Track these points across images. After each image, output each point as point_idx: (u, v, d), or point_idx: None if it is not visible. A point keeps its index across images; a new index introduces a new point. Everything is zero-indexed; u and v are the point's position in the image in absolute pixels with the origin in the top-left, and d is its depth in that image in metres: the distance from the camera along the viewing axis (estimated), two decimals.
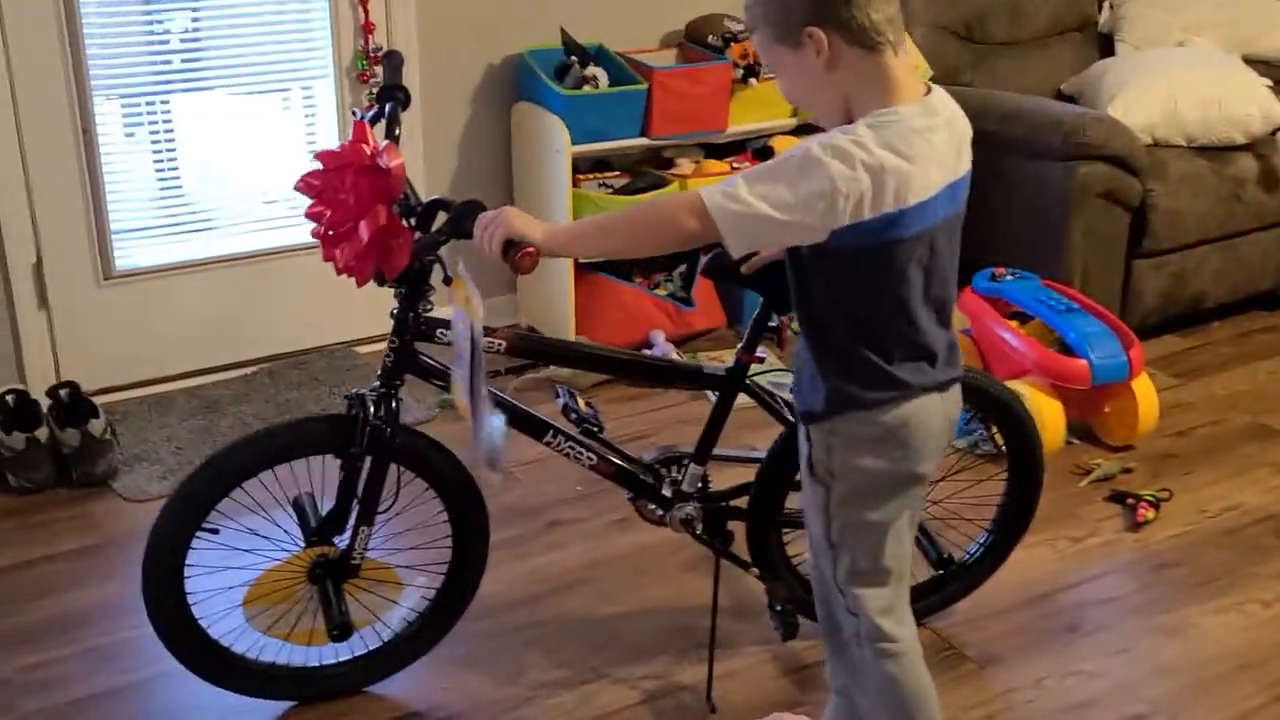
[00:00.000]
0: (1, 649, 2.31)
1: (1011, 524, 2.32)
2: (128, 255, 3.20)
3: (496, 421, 1.85)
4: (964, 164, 1.59)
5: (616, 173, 3.42)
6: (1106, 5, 3.90)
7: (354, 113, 2.02)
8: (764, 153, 3.49)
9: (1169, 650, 2.35)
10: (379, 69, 3.20)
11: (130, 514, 2.78)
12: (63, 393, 2.96)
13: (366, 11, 3.22)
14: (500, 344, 2.04)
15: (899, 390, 1.61)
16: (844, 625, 1.75)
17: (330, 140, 3.31)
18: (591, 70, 3.30)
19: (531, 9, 3.41)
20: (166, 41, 3.16)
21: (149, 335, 3.25)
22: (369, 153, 1.82)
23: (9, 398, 2.93)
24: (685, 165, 3.47)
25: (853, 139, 1.47)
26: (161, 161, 3.21)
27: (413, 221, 1.89)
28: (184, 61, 3.17)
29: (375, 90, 1.99)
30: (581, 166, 3.41)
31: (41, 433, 2.83)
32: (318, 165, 1.88)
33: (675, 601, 2.49)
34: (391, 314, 1.98)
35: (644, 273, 3.56)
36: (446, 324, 1.97)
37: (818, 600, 1.86)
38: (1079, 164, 3.20)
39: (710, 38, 3.50)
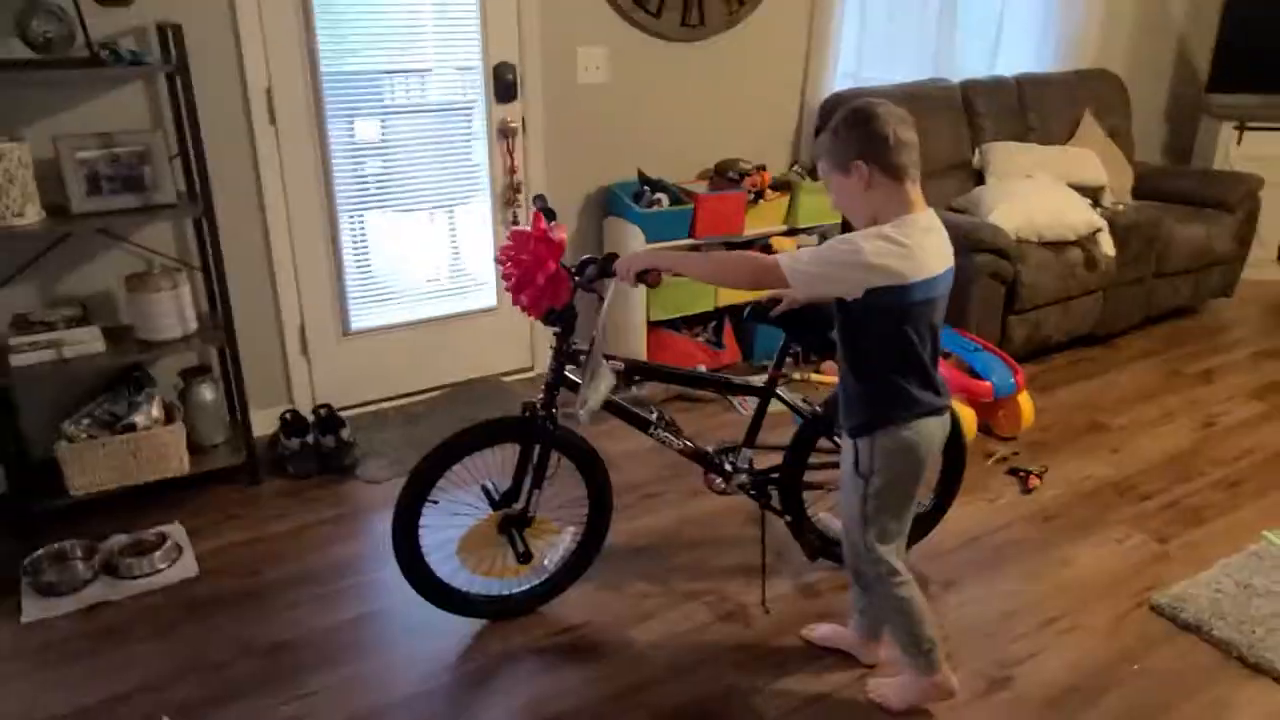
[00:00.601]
0: (291, 587, 2.26)
1: (948, 489, 2.30)
2: (358, 319, 3.11)
3: (607, 381, 1.95)
4: (951, 260, 1.60)
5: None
6: (977, 150, 3.88)
7: (534, 203, 2.03)
8: (766, 248, 3.45)
9: (1064, 574, 2.32)
10: (518, 195, 3.20)
11: (368, 492, 2.71)
12: (321, 411, 2.86)
13: (512, 158, 3.16)
14: (620, 364, 2.06)
15: (918, 410, 1.63)
16: (867, 570, 1.76)
17: (486, 241, 3.24)
18: (658, 195, 3.25)
19: (615, 156, 3.34)
20: (366, 177, 3.09)
21: (370, 372, 3.15)
22: (544, 228, 1.88)
23: (286, 415, 2.83)
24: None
25: (882, 232, 1.50)
26: (372, 259, 3.12)
27: (573, 272, 1.92)
28: (380, 187, 3.08)
29: (534, 208, 1.99)
30: None
31: (309, 438, 2.73)
32: (508, 242, 1.92)
33: (736, 546, 2.44)
34: (551, 346, 2.02)
35: (689, 326, 3.50)
36: (586, 352, 2.03)
37: (848, 555, 1.85)
38: (975, 254, 3.15)
39: (730, 173, 3.44)
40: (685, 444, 2.16)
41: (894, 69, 3.89)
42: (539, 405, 1.99)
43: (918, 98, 3.75)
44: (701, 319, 3.50)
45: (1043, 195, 3.43)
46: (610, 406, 2.08)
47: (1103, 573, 2.31)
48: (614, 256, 1.85)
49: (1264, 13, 4.32)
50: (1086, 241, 3.41)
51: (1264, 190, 4.01)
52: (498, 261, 1.96)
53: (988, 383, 2.82)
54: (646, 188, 3.27)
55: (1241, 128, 4.33)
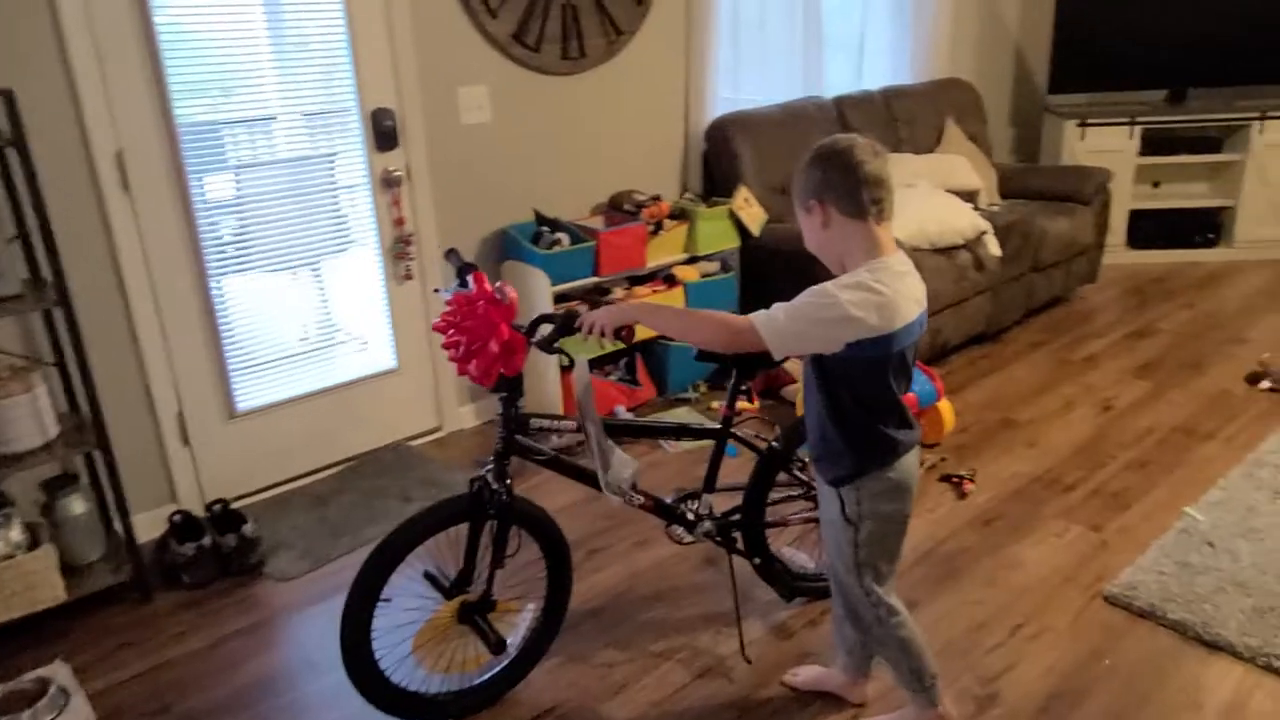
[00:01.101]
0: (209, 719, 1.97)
1: None
2: (245, 398, 2.78)
3: (627, 462, 1.85)
4: (925, 302, 1.52)
5: (576, 301, 3.22)
6: None
7: (449, 259, 1.92)
8: (670, 278, 3.38)
9: (1017, 577, 2.32)
10: (410, 248, 2.99)
11: (282, 592, 2.41)
12: (215, 507, 2.53)
13: (399, 208, 2.94)
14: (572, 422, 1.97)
15: (900, 450, 1.56)
16: (865, 613, 1.68)
17: (378, 301, 3.01)
18: (559, 235, 3.11)
19: (507, 197, 3.17)
20: (220, 235, 2.82)
21: (264, 454, 2.84)
22: (490, 289, 1.71)
23: (175, 517, 2.48)
24: (618, 291, 3.31)
25: (858, 280, 1.41)
26: (254, 330, 2.82)
27: (526, 333, 1.75)
28: (252, 247, 2.81)
29: (456, 268, 1.86)
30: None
31: (206, 540, 2.41)
32: (448, 307, 1.74)
33: (695, 594, 2.31)
34: (497, 414, 1.84)
35: (600, 366, 3.37)
36: (536, 416, 1.91)
37: (839, 599, 1.77)
38: None
39: (626, 205, 3.35)
40: (645, 498, 2.02)
41: (769, 90, 3.92)
42: (490, 478, 1.80)
43: (798, 116, 3.80)
44: (612, 357, 3.39)
45: (929, 203, 3.52)
46: (563, 467, 1.94)
47: (1052, 570, 2.33)
48: (574, 315, 1.68)
49: (1094, 17, 4.63)
50: (973, 244, 3.51)
51: (1111, 181, 4.31)
52: (437, 330, 1.76)
53: (912, 394, 2.84)
54: (545, 228, 3.13)
55: (1083, 124, 4.64)
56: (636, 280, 3.34)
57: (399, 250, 2.97)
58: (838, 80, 4.20)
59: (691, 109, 3.64)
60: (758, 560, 2.14)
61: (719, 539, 2.13)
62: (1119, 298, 4.34)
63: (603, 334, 1.61)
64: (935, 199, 3.55)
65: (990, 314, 3.71)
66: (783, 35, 3.94)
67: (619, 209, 3.36)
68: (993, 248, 3.50)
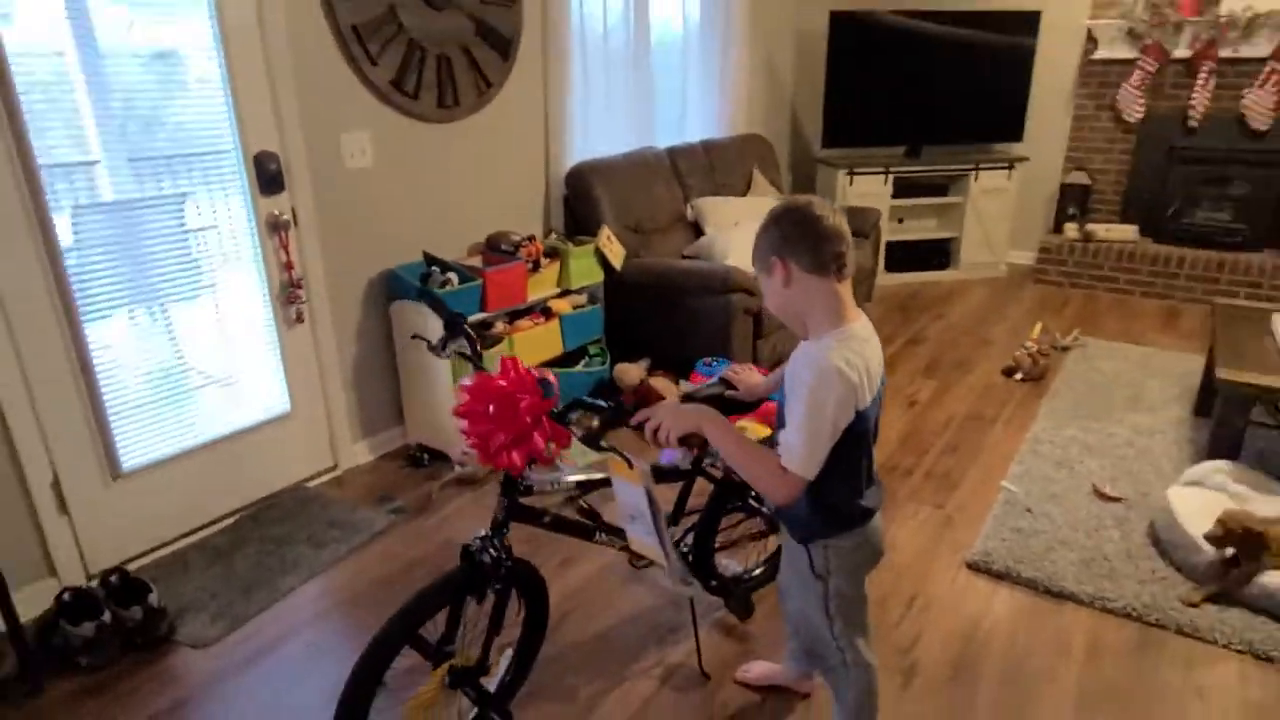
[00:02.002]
0: None
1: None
2: (130, 456, 2.31)
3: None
4: (883, 365, 1.38)
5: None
6: (689, 206, 4.03)
7: (451, 325, 1.61)
8: (546, 310, 3.24)
9: (897, 558, 2.38)
10: (299, 291, 2.64)
11: (200, 660, 2.01)
12: (113, 579, 2.06)
13: (287, 252, 2.59)
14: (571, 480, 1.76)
15: (870, 514, 1.45)
16: (830, 656, 1.55)
17: (267, 348, 2.63)
18: (449, 274, 2.88)
19: (391, 239, 2.89)
20: (87, 282, 2.34)
21: (153, 513, 2.37)
22: (535, 381, 1.43)
23: (65, 594, 2.00)
24: (501, 326, 3.12)
25: (848, 360, 1.26)
26: (136, 382, 2.35)
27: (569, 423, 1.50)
28: (117, 294, 2.36)
29: (446, 323, 1.62)
30: None
31: (105, 616, 1.95)
32: (465, 396, 1.45)
33: (633, 606, 2.19)
34: (500, 481, 1.57)
35: None
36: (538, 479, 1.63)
37: (807, 644, 1.66)
38: (732, 295, 3.24)
39: (503, 245, 3.18)
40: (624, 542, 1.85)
41: (611, 140, 3.90)
42: (492, 546, 1.55)
43: (639, 163, 3.80)
44: None
45: None
46: (565, 527, 1.73)
47: (920, 547, 2.43)
48: (622, 409, 1.43)
49: (854, 88, 5.05)
50: None
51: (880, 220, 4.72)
52: (460, 415, 1.45)
53: (775, 404, 2.91)
54: (435, 268, 2.89)
55: (851, 173, 5.05)
56: (516, 314, 3.18)
57: (288, 294, 2.61)
58: (665, 132, 4.27)
59: (551, 157, 3.53)
60: (714, 583, 2.01)
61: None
62: (889, 313, 4.75)
63: (666, 440, 1.34)
64: None
65: None
66: (621, 92, 3.94)
67: (496, 249, 3.17)
68: None
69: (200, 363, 2.49)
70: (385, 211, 2.88)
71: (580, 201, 3.53)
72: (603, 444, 1.45)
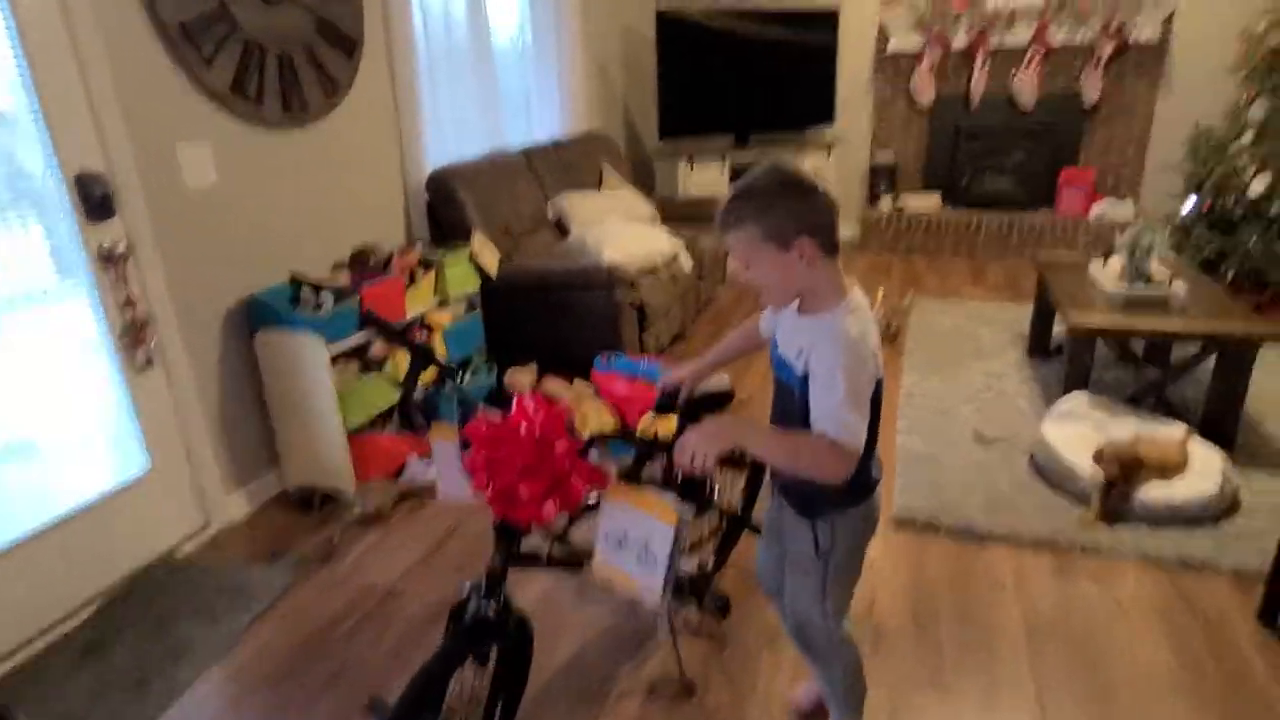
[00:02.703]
0: None
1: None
2: None
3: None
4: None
5: (342, 360, 2.69)
6: (549, 204, 3.91)
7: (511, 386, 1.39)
8: (425, 325, 2.99)
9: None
10: (146, 331, 2.24)
11: None
12: None
13: (128, 287, 2.18)
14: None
15: (875, 483, 1.43)
16: (818, 638, 1.52)
17: (112, 401, 2.20)
18: (324, 295, 2.56)
19: (245, 262, 2.53)
20: None
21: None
22: (564, 417, 1.25)
23: None
24: (378, 346, 2.84)
25: (862, 329, 1.24)
26: None
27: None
28: None
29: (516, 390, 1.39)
30: None
31: None
32: (483, 432, 1.26)
33: (592, 622, 2.06)
34: (495, 527, 1.39)
35: (382, 420, 2.86)
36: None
37: (789, 622, 1.56)
38: (615, 289, 3.17)
39: (372, 259, 2.89)
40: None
41: (467, 143, 3.68)
42: (490, 600, 1.37)
43: (499, 165, 3.63)
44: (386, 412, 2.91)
45: (629, 232, 3.60)
46: (556, 563, 1.64)
47: None
48: (650, 443, 1.25)
49: (684, 83, 5.13)
50: (670, 262, 3.70)
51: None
52: (472, 469, 1.25)
53: None
54: (304, 289, 2.56)
55: (691, 162, 5.15)
56: (394, 335, 2.89)
57: (133, 335, 2.21)
58: (514, 134, 4.11)
59: (408, 161, 3.27)
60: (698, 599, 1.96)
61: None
62: (745, 292, 4.91)
63: (705, 466, 1.19)
64: (632, 228, 3.66)
65: (683, 318, 3.94)
66: (468, 93, 3.73)
67: (364, 264, 2.88)
68: (685, 263, 3.72)
69: (24, 428, 2.04)
70: (236, 232, 2.52)
71: (445, 207, 3.31)
72: (644, 480, 1.32)
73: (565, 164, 4.14)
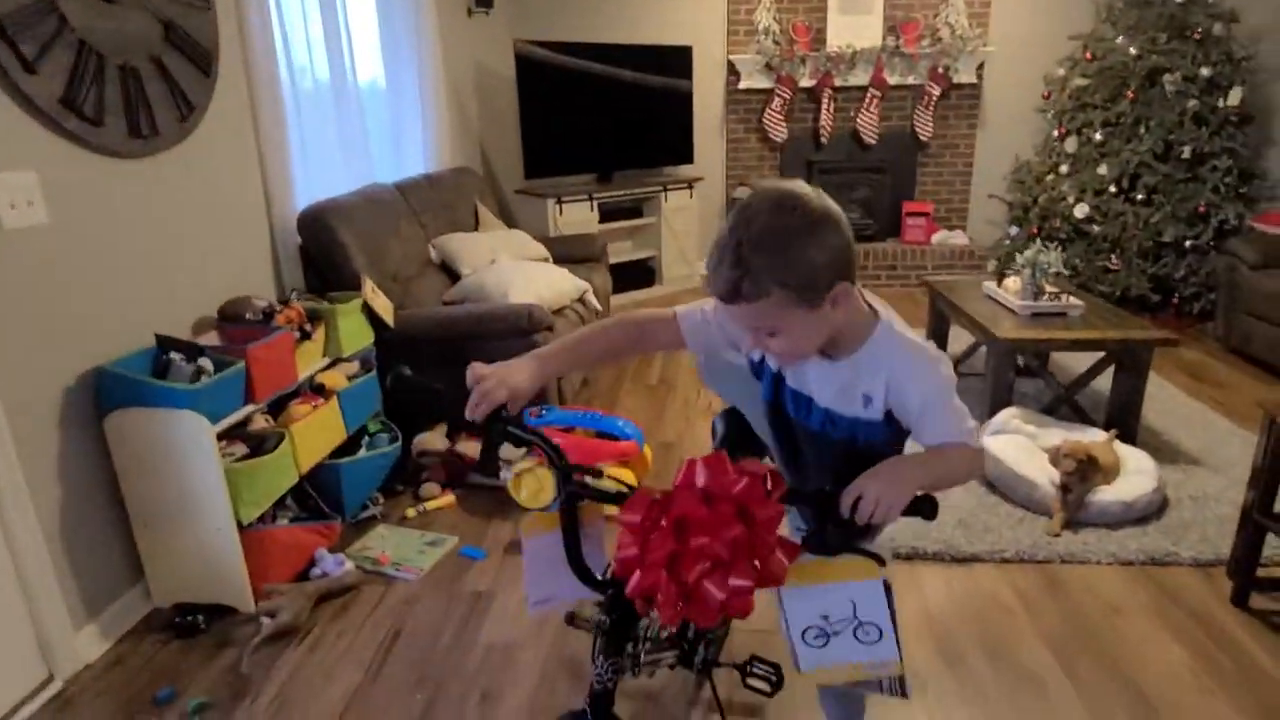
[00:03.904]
0: None
1: None
2: None
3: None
4: None
5: (225, 441, 2.15)
6: (431, 247, 3.51)
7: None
8: (318, 389, 2.50)
9: None
10: None
11: None
12: None
13: None
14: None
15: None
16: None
17: None
18: (202, 361, 2.03)
19: (91, 325, 1.96)
20: None
21: None
22: (756, 469, 0.96)
23: None
24: (260, 420, 2.33)
25: (924, 344, 1.12)
26: None
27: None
28: None
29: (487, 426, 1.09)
30: None
31: None
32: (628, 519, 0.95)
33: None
34: (601, 626, 1.12)
35: (273, 515, 2.32)
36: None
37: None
38: (538, 335, 2.85)
39: (247, 314, 2.38)
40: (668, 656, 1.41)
41: (334, 179, 3.21)
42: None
43: (376, 202, 3.21)
44: (279, 501, 2.37)
45: (531, 272, 3.30)
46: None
47: None
48: (828, 494, 0.97)
49: (546, 121, 4.92)
50: (576, 303, 3.43)
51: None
52: (626, 567, 0.94)
53: (632, 440, 2.63)
54: (175, 355, 2.03)
55: (559, 202, 4.93)
56: (286, 398, 2.40)
57: None
58: (385, 169, 3.68)
59: (274, 198, 2.77)
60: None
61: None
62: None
63: (888, 518, 0.97)
64: (535, 268, 3.37)
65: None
66: (335, 128, 3.28)
67: (237, 320, 2.37)
68: (594, 302, 3.48)
69: None
70: (73, 286, 1.94)
71: (323, 251, 2.83)
72: (858, 547, 1.04)
73: (441, 203, 3.76)
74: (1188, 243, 4.51)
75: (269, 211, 2.77)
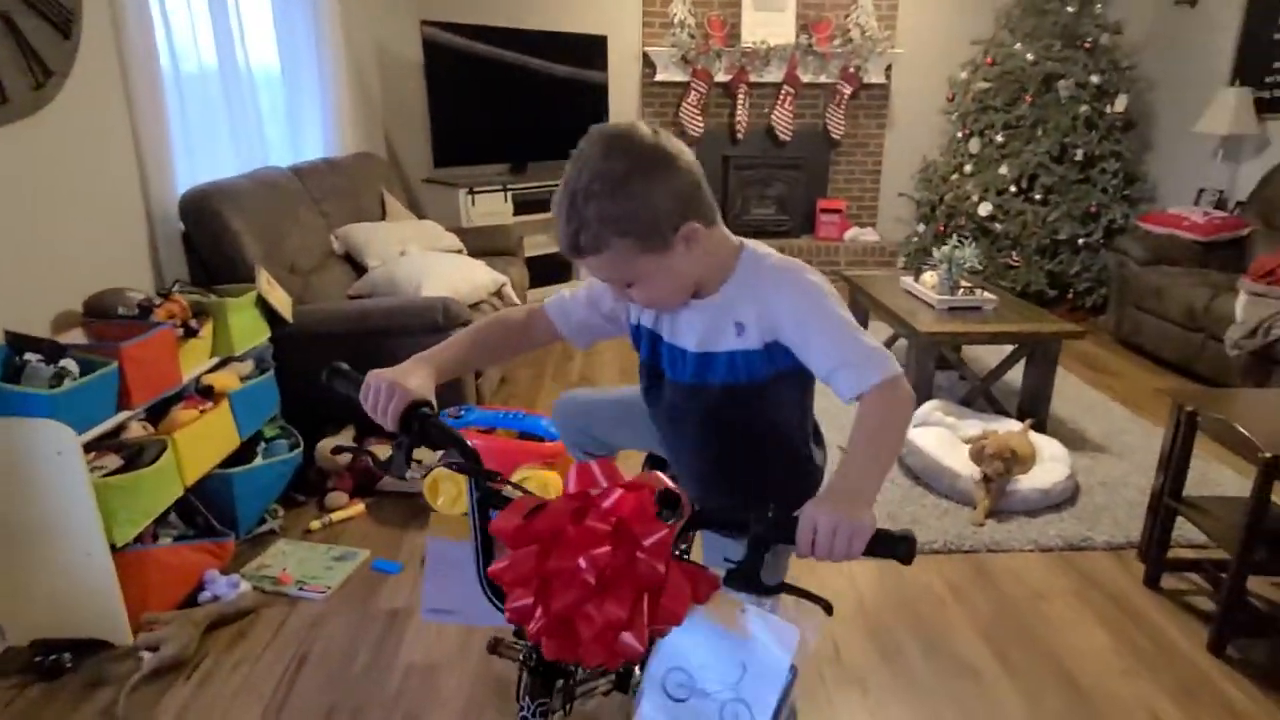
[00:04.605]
0: None
1: None
2: None
3: None
4: None
5: (94, 453, 1.88)
6: (333, 237, 3.26)
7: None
8: (206, 391, 2.25)
9: None
10: None
11: None
12: None
13: None
14: None
15: (820, 476, 1.19)
16: None
17: None
18: (65, 362, 1.77)
19: None
20: None
21: None
22: (651, 490, 0.82)
23: None
24: (137, 428, 2.07)
25: (796, 264, 1.05)
26: None
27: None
28: None
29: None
30: None
31: None
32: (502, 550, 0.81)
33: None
34: (531, 671, 0.98)
35: (154, 533, 2.05)
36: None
37: None
38: (452, 330, 2.66)
39: (121, 309, 2.11)
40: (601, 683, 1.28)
41: (223, 164, 2.93)
42: None
43: (271, 186, 2.95)
44: (162, 518, 2.11)
45: (445, 264, 3.10)
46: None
47: None
48: (767, 516, 0.82)
49: (455, 109, 4.70)
50: (494, 296, 3.26)
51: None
52: (505, 586, 0.80)
53: (557, 441, 2.49)
54: (32, 356, 1.75)
55: (472, 192, 4.72)
56: (171, 401, 2.14)
57: None
58: (280, 153, 3.40)
59: (151, 180, 2.48)
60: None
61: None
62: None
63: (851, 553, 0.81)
64: (449, 260, 3.18)
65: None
66: (225, 108, 2.99)
67: (107, 315, 2.09)
68: (512, 296, 3.31)
69: None
70: None
71: (210, 239, 2.57)
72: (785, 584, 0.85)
73: (344, 190, 3.51)
74: (1081, 240, 4.76)
75: (145, 194, 2.48)
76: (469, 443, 0.98)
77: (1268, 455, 1.77)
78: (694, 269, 1.00)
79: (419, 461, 2.43)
